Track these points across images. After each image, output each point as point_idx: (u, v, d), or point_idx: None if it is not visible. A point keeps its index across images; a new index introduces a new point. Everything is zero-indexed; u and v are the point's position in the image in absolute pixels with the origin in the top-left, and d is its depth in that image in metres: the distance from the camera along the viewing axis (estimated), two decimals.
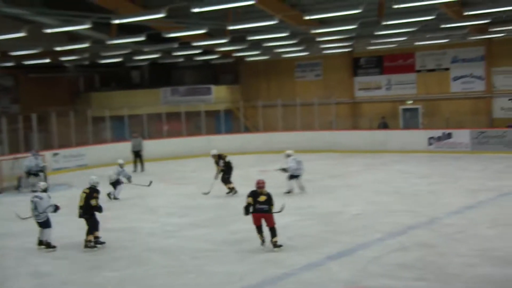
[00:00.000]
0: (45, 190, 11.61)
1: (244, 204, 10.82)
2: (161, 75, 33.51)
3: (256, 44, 25.43)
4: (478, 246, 10.00)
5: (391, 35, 23.61)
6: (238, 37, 23.37)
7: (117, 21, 18.57)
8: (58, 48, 23.23)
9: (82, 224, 11.37)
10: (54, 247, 11.18)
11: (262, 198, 10.76)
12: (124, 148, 23.96)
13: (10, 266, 10.28)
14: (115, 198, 16.52)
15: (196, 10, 15.97)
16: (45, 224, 11.22)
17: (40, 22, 19.82)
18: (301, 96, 29.55)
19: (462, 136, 23.73)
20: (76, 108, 28.12)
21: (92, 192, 11.38)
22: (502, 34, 24.19)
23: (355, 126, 28.11)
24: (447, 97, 26.61)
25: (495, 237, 10.62)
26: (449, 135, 23.79)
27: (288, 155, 16.29)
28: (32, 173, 18.99)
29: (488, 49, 25.43)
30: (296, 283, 8.64)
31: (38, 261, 10.48)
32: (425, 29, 22.48)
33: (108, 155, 24.62)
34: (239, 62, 32.12)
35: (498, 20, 21.65)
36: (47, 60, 26.28)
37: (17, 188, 19.09)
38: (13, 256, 10.91)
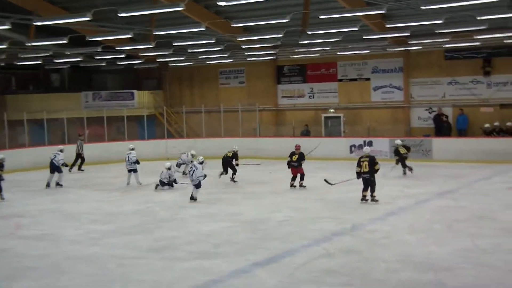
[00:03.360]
0: (201, 163, 16.04)
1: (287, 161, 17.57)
2: (82, 79, 32.80)
3: (181, 50, 25.31)
4: (400, 252, 10.28)
5: (314, 44, 24.05)
6: (163, 43, 23.19)
7: (39, 23, 18.00)
8: None
9: None
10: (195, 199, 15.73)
11: (295, 158, 17.43)
12: (42, 153, 23.21)
13: None
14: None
15: (123, 14, 15.75)
16: (198, 186, 15.76)
17: None
18: (225, 102, 29.64)
19: (382, 144, 24.41)
20: None
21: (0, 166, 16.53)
22: (420, 47, 25.11)
23: (278, 133, 28.40)
24: (368, 106, 27.33)
25: (415, 243, 10.95)
26: (369, 143, 24.39)
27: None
28: None
29: (406, 60, 26.31)
30: None
31: None
32: (347, 39, 23.04)
33: (26, 159, 23.89)
34: (162, 67, 31.88)
35: (417, 33, 22.49)
36: None
37: None
38: None
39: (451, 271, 9.12)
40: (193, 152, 20.76)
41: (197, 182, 15.72)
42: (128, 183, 19.57)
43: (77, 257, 10.64)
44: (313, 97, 28.88)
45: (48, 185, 19.54)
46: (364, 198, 14.98)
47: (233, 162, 19.67)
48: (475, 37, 21.99)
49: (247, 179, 19.88)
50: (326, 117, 28.59)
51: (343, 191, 17.02)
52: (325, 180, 17.05)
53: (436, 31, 20.88)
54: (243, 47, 25.23)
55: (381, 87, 27.07)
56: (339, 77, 28.16)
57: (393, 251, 10.33)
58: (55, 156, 19.70)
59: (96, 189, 19.02)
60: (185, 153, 21.34)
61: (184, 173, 20.66)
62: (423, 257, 9.92)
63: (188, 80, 32.23)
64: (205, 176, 15.92)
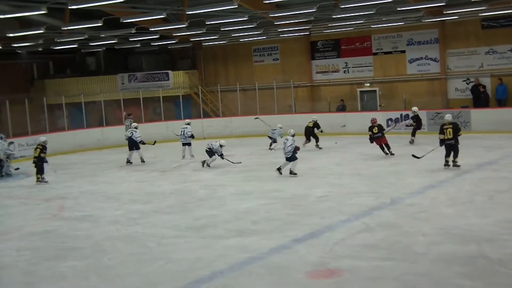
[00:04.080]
0: (293, 135, 16.32)
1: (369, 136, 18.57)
2: (118, 61, 33.05)
3: (214, 29, 25.29)
4: (440, 225, 10.18)
5: (348, 18, 23.77)
6: (195, 22, 23.19)
7: (73, 7, 18.16)
8: (11, 35, 22.64)
9: (42, 212, 11.56)
10: (295, 174, 15.92)
11: (375, 130, 18.36)
12: (82, 136, 23.62)
13: None
14: (208, 165, 18.66)
15: None
16: (291, 158, 15.99)
17: None
18: (259, 80, 29.55)
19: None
20: (30, 95, 27.51)
21: (42, 148, 17.23)
22: (456, 17, 24.59)
23: (314, 109, 28.25)
24: (403, 79, 26.97)
25: (455, 216, 10.84)
26: (406, 117, 24.10)
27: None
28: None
29: (442, 31, 25.82)
30: (264, 267, 8.65)
31: None
32: (381, 12, 22.70)
33: (66, 142, 24.29)
34: (196, 47, 31.91)
35: (452, 2, 22.02)
36: None
37: None
38: None
39: (493, 243, 9.01)
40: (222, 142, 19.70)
41: (290, 155, 15.99)
42: (183, 157, 20.71)
43: (118, 237, 10.83)
44: (348, 72, 28.61)
45: (128, 161, 20.38)
46: (446, 164, 15.55)
47: (316, 131, 21.41)
48: None
49: (283, 156, 19.85)
50: (361, 92, 28.32)
51: (379, 165, 16.94)
52: (413, 155, 16.65)
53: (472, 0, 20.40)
54: (276, 23, 25.07)
55: (417, 59, 26.66)
56: (373, 51, 27.82)
57: (433, 224, 10.24)
58: (132, 134, 20.41)
59: (134, 170, 19.27)
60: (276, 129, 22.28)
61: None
62: (464, 229, 9.82)
63: (222, 59, 32.22)
64: (295, 149, 16.00)
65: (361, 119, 25.01)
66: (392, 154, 18.45)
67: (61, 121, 27.06)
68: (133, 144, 20.39)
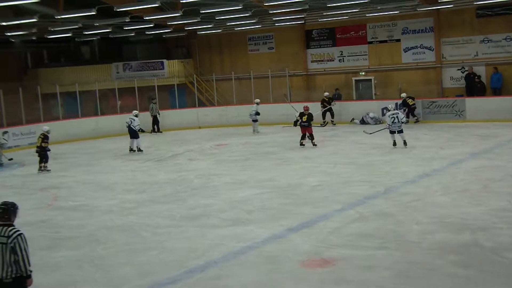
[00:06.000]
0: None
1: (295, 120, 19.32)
2: (112, 50, 32.90)
3: (209, 18, 25.18)
4: (434, 214, 10.22)
5: (343, 6, 23.69)
6: (190, 11, 23.07)
7: None
8: (4, 23, 22.50)
9: (37, 202, 11.89)
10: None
11: (305, 118, 18.67)
12: (77, 125, 23.51)
13: None
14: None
15: None
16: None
17: None
18: (254, 69, 29.47)
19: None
20: (24, 84, 27.33)
21: (44, 138, 17.24)
22: (451, 5, 24.54)
23: (309, 98, 28.20)
24: (399, 67, 26.90)
25: (449, 204, 10.87)
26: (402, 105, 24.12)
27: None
28: None
29: (437, 20, 25.75)
30: (259, 256, 8.68)
31: None
32: (376, 0, 22.63)
33: (60, 132, 24.16)
34: (191, 36, 31.76)
35: None
36: None
37: None
38: None
39: (487, 231, 9.05)
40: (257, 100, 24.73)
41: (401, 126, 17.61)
42: (130, 149, 20.43)
43: (112, 226, 10.85)
44: (343, 61, 28.53)
45: (131, 149, 20.34)
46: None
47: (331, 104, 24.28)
48: None
49: (277, 145, 19.86)
50: (356, 80, 28.24)
51: (374, 154, 16.96)
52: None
53: None
54: (271, 12, 24.98)
55: (412, 48, 26.58)
56: (369, 40, 27.72)
57: (427, 213, 10.28)
58: (131, 122, 20.31)
59: (129, 159, 19.23)
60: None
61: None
62: (458, 218, 9.86)
63: (217, 48, 32.08)
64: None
65: (358, 108, 25.09)
66: (314, 145, 18.81)
67: (55, 110, 26.96)
68: (133, 133, 20.36)
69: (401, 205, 11.01)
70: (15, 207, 6.40)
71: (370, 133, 19.26)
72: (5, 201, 6.44)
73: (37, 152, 17.48)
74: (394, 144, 17.68)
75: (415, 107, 23.79)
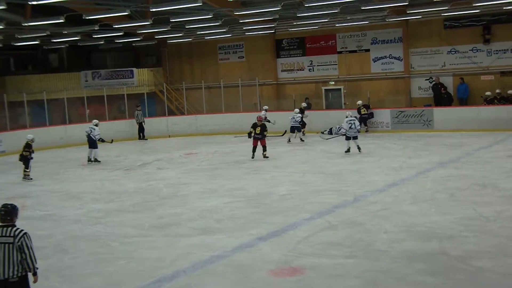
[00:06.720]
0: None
1: (249, 131, 18.39)
2: (81, 58, 32.66)
3: (179, 26, 25.15)
4: (402, 223, 10.29)
5: (313, 16, 23.87)
6: (160, 19, 23.02)
7: (34, 2, 17.86)
8: None
9: None
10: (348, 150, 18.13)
11: (258, 130, 18.06)
12: (45, 133, 23.20)
13: None
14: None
15: None
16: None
17: None
18: (225, 78, 29.51)
19: (383, 115, 24.39)
20: None
21: (26, 146, 17.13)
22: (419, 17, 24.90)
23: (279, 107, 28.31)
24: (368, 77, 27.20)
25: (417, 213, 10.96)
26: (370, 115, 24.35)
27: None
28: None
29: (405, 30, 26.11)
30: (228, 265, 8.64)
31: None
32: (346, 11, 22.85)
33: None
34: (161, 44, 31.69)
35: (415, 2, 22.28)
36: None
37: None
38: None
39: (454, 240, 9.15)
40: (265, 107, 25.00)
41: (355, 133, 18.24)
42: (88, 159, 19.98)
43: (80, 236, 10.70)
44: (313, 70, 28.73)
45: (89, 159, 19.88)
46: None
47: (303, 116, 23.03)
48: (474, 4, 21.78)
49: (247, 154, 19.86)
50: (326, 90, 28.48)
51: (343, 163, 17.06)
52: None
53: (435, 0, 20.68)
54: (241, 21, 25.06)
55: (381, 58, 26.91)
56: (338, 49, 27.98)
57: (396, 222, 10.35)
58: (91, 131, 19.87)
59: (97, 169, 19.04)
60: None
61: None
62: (425, 227, 9.95)
63: (188, 57, 32.05)
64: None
65: (327, 117, 25.21)
66: (266, 157, 18.24)
67: (22, 118, 26.59)
68: (92, 142, 19.89)
69: (369, 214, 11.07)
70: (16, 208, 6.63)
71: (327, 139, 19.86)
72: (5, 203, 6.64)
73: (20, 160, 17.42)
74: (348, 150, 18.20)
75: (367, 117, 24.11)
